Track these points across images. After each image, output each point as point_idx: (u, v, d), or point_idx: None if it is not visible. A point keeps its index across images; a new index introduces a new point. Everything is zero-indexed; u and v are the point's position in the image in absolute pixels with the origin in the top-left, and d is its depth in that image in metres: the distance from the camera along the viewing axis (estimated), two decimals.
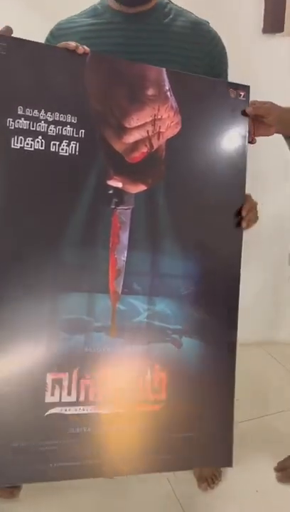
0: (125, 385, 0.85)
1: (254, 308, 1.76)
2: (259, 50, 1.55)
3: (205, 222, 0.90)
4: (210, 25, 1.08)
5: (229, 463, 0.91)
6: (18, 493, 1.29)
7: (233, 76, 1.07)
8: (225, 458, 0.91)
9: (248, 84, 0.94)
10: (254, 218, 0.93)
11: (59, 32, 1.04)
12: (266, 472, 1.39)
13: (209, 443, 0.90)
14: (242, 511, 1.26)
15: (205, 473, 1.35)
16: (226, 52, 1.08)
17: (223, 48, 1.07)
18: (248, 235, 0.94)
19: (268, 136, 0.97)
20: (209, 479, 1.34)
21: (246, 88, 0.94)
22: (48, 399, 0.80)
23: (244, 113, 0.92)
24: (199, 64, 1.01)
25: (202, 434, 0.89)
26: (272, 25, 1.54)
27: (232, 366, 0.91)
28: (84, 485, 1.27)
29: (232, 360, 0.91)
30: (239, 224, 0.92)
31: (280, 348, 1.25)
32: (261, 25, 1.60)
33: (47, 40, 1.05)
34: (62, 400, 0.81)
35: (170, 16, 1.03)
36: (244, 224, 0.91)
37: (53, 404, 0.80)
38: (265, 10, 1.57)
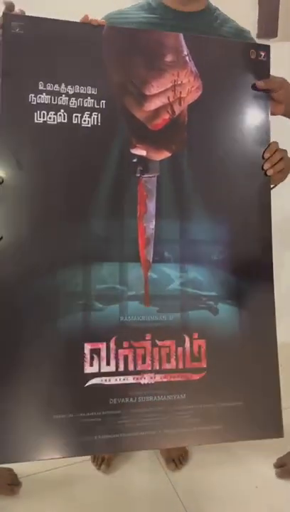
0: (164, 353, 0.83)
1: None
2: None
3: (231, 184, 0.89)
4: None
5: (280, 433, 0.88)
6: (18, 490, 1.30)
7: None
8: (276, 428, 0.88)
9: (268, 44, 0.93)
10: (284, 170, 0.91)
11: (110, 21, 1.05)
12: (266, 468, 1.37)
13: (258, 412, 0.87)
14: (242, 506, 1.23)
15: (173, 455, 1.38)
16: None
17: None
18: None
19: (275, 115, 0.95)
20: (176, 460, 1.38)
21: (267, 48, 0.92)
22: (87, 369, 0.79)
23: (254, 87, 0.91)
24: None
25: (250, 403, 0.86)
26: (266, 30, 1.56)
27: (273, 331, 0.88)
28: (83, 480, 1.29)
29: (271, 324, 0.88)
30: (265, 174, 0.89)
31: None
32: (256, 31, 1.62)
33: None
34: (102, 370, 0.80)
35: (218, 21, 1.07)
36: (267, 167, 0.88)
37: (93, 375, 0.79)
38: (259, 16, 1.60)
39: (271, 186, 0.92)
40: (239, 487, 1.31)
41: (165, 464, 1.39)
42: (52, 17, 0.83)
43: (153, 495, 1.30)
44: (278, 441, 1.33)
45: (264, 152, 0.90)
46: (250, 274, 0.88)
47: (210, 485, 1.31)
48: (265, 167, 0.90)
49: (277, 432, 0.87)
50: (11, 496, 1.27)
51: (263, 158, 0.90)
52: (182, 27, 1.01)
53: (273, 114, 0.94)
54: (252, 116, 0.91)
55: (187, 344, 0.85)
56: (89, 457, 1.38)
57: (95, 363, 0.80)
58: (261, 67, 0.91)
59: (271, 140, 0.92)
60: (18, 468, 1.32)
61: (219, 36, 1.05)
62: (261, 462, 1.39)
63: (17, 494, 1.27)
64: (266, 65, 0.92)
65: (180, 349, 0.84)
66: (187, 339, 0.84)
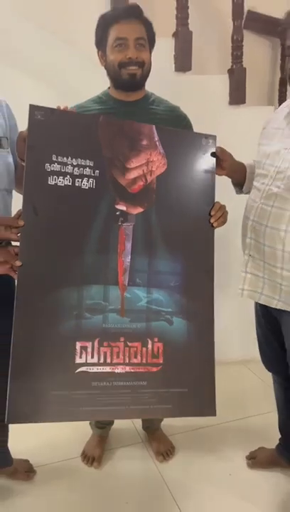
0: (132, 352, 1.16)
1: (234, 328, 2.00)
2: (227, 118, 1.92)
3: (185, 232, 1.24)
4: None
5: (213, 413, 1.21)
6: (33, 477, 1.59)
7: None
8: (211, 409, 1.21)
9: (215, 134, 1.30)
10: (223, 219, 1.26)
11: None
12: (238, 460, 1.68)
13: (198, 397, 1.21)
14: (218, 490, 1.55)
15: (161, 449, 1.70)
16: (191, 126, 1.49)
17: (191, 125, 1.49)
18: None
19: (219, 175, 1.31)
20: (164, 453, 1.69)
21: (213, 137, 1.29)
22: (78, 360, 1.12)
23: (213, 154, 1.28)
24: None
25: (193, 390, 1.20)
26: (236, 98, 1.94)
27: (211, 337, 1.22)
28: (86, 470, 1.62)
29: (210, 332, 1.22)
30: (211, 225, 1.24)
31: (260, 365, 1.54)
32: (228, 99, 2.01)
33: None
34: (88, 362, 1.13)
35: (155, 104, 1.44)
36: (213, 221, 1.23)
37: (81, 365, 1.12)
38: (230, 86, 1.98)
39: (214, 227, 1.27)
40: (216, 475, 1.62)
41: (155, 456, 1.70)
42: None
43: (144, 482, 1.60)
44: (251, 441, 1.67)
45: (210, 210, 1.26)
46: (196, 297, 1.23)
47: (193, 473, 1.62)
48: (211, 221, 1.26)
49: (211, 411, 1.21)
50: (27, 482, 1.56)
51: (209, 215, 1.26)
52: (128, 111, 1.37)
53: (218, 174, 1.30)
54: (202, 185, 1.27)
55: (149, 345, 1.18)
56: None
57: (83, 356, 1.13)
58: (209, 149, 1.28)
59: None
60: (33, 459, 1.63)
61: (155, 114, 1.40)
62: (233, 455, 1.70)
63: (32, 480, 1.57)
64: (212, 147, 1.28)
65: (144, 349, 1.18)
66: (149, 342, 1.18)
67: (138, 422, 1.84)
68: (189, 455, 1.72)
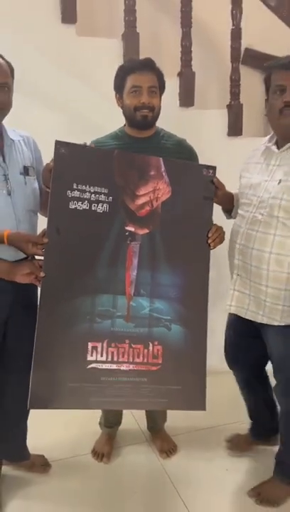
0: (135, 352, 1.36)
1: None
2: (225, 148, 2.14)
3: (185, 251, 1.43)
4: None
5: (203, 408, 1.40)
6: (48, 470, 1.76)
7: None
8: (202, 404, 1.40)
9: (215, 165, 1.50)
10: (219, 239, 1.46)
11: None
12: (236, 458, 1.86)
13: (191, 394, 1.40)
14: (216, 483, 1.72)
15: (165, 448, 1.88)
16: (197, 156, 1.68)
17: (196, 155, 1.69)
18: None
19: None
20: (168, 451, 1.87)
21: (213, 167, 1.49)
22: (89, 358, 1.32)
23: (212, 182, 1.48)
24: None
25: (186, 388, 1.39)
26: (234, 130, 2.16)
27: (204, 343, 1.41)
28: (97, 465, 1.80)
29: (203, 339, 1.42)
30: (208, 245, 1.44)
31: None
32: (226, 131, 2.23)
33: None
34: (97, 360, 1.32)
35: (164, 139, 1.65)
36: (210, 242, 1.43)
37: (91, 362, 1.32)
38: (229, 120, 2.21)
39: (211, 248, 1.48)
40: (215, 470, 1.79)
41: (159, 454, 1.86)
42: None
43: (149, 476, 1.77)
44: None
45: (208, 233, 1.46)
46: (192, 307, 1.42)
47: (193, 468, 1.79)
48: (209, 241, 1.46)
49: (201, 406, 1.40)
50: (43, 474, 1.73)
51: (207, 236, 1.47)
52: (141, 147, 1.58)
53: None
54: (201, 209, 1.47)
55: (150, 348, 1.38)
56: None
57: (94, 354, 1.32)
58: (209, 179, 1.48)
59: None
60: (48, 455, 1.80)
61: (165, 148, 1.61)
62: (230, 453, 1.87)
63: (48, 473, 1.74)
64: (212, 177, 1.48)
65: (146, 350, 1.37)
66: (150, 344, 1.38)
67: (143, 423, 2.00)
68: (190, 453, 1.88)
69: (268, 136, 1.55)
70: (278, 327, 1.45)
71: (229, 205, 1.59)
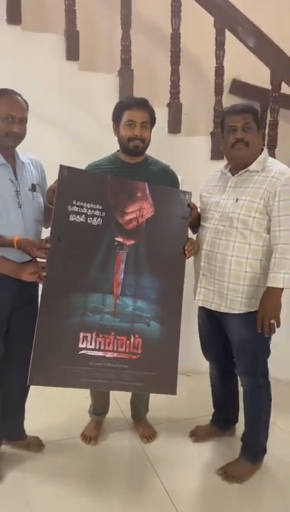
0: (119, 343, 1.62)
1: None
2: (208, 170, 2.37)
3: (164, 258, 1.70)
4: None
5: (174, 392, 1.66)
6: (42, 449, 2.00)
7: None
8: (173, 389, 1.66)
9: (190, 191, 1.79)
10: (194, 251, 1.76)
11: (91, 169, 1.88)
12: (208, 445, 2.11)
13: (164, 379, 1.66)
14: (189, 465, 1.96)
15: (146, 433, 2.13)
16: (178, 180, 1.95)
17: (177, 180, 1.95)
18: None
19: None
20: (148, 437, 2.12)
21: (189, 193, 1.78)
22: (80, 345, 1.58)
23: (188, 205, 1.76)
24: None
25: (160, 374, 1.65)
26: (217, 154, 2.44)
27: (177, 337, 1.68)
28: (84, 447, 2.04)
29: (176, 333, 1.68)
30: (184, 255, 1.72)
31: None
32: (210, 155, 2.52)
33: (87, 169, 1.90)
34: (87, 347, 1.58)
35: (151, 165, 1.92)
36: (186, 253, 1.72)
37: (82, 349, 1.58)
38: (212, 145, 2.50)
39: (186, 258, 1.75)
40: (188, 453, 2.03)
41: (140, 439, 2.10)
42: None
43: (131, 456, 2.02)
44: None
45: (185, 245, 1.74)
46: (168, 307, 1.69)
47: (170, 452, 2.03)
48: (186, 253, 1.74)
49: (172, 391, 1.66)
50: (38, 452, 1.97)
51: (184, 248, 1.74)
52: (131, 171, 1.84)
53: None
54: (179, 227, 1.75)
55: (132, 339, 1.64)
56: None
57: (84, 343, 1.58)
58: (186, 202, 1.76)
59: None
60: (43, 436, 2.03)
61: (151, 173, 1.87)
62: (204, 441, 2.10)
63: (42, 452, 1.98)
64: (189, 200, 1.76)
65: (128, 342, 1.63)
66: (132, 337, 1.64)
67: (127, 412, 2.24)
68: (168, 439, 2.12)
69: (224, 165, 1.87)
70: (238, 315, 1.76)
71: (197, 223, 1.87)
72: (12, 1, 2.14)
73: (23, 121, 1.67)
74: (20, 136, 1.69)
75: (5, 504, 1.70)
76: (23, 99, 1.68)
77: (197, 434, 2.12)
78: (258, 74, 2.74)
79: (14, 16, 2.15)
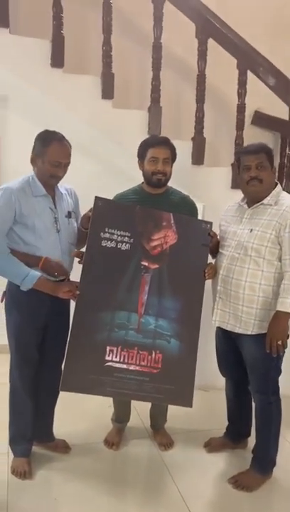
0: (142, 357, 1.81)
1: None
2: (228, 198, 2.36)
3: (185, 281, 1.89)
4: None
5: (190, 405, 1.83)
6: (69, 451, 2.19)
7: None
8: (189, 402, 1.83)
9: (211, 221, 1.98)
10: (213, 274, 1.94)
11: (117, 199, 2.10)
12: (223, 454, 2.26)
13: (181, 393, 1.83)
14: (204, 469, 2.13)
15: (164, 442, 2.29)
16: (197, 209, 2.14)
17: (196, 208, 2.14)
18: None
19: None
20: (165, 445, 2.28)
21: (210, 223, 1.97)
22: (106, 358, 1.78)
23: (209, 234, 1.95)
24: None
25: (178, 388, 1.82)
26: (237, 184, 2.45)
27: (194, 354, 1.85)
28: (106, 451, 2.22)
29: (193, 350, 1.85)
30: (203, 278, 1.91)
31: None
32: (231, 184, 2.70)
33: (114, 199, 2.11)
34: (113, 360, 1.78)
35: (172, 195, 2.12)
36: (206, 276, 1.92)
37: (108, 361, 1.78)
38: (232, 175, 2.68)
39: (206, 279, 1.94)
40: (203, 462, 2.19)
41: (158, 446, 2.28)
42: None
43: (149, 461, 2.19)
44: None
45: (205, 270, 1.93)
46: (187, 327, 1.87)
47: (186, 461, 2.19)
48: (205, 275, 1.92)
49: (189, 404, 1.83)
50: (65, 454, 2.17)
51: (204, 272, 1.93)
52: (154, 201, 2.04)
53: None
54: (199, 253, 1.93)
55: (153, 355, 1.82)
56: None
57: (110, 355, 1.78)
58: (207, 231, 1.95)
59: None
60: (69, 440, 2.22)
61: (172, 202, 2.07)
62: (219, 451, 2.25)
63: (68, 454, 2.18)
64: (209, 229, 1.95)
65: (149, 356, 1.82)
66: (153, 352, 1.82)
67: (147, 422, 2.40)
68: (184, 448, 2.28)
69: (241, 197, 2.05)
70: (251, 336, 1.91)
71: (217, 249, 2.05)
72: (56, 47, 2.41)
73: (67, 165, 1.91)
74: (61, 178, 1.93)
75: (35, 498, 1.90)
76: (68, 143, 1.91)
77: (212, 445, 2.27)
78: (278, 107, 2.92)
79: (57, 60, 2.41)
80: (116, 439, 2.28)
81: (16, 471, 1.99)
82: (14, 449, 2.06)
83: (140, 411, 2.45)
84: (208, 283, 2.00)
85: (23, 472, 1.98)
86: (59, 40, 2.42)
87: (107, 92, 2.51)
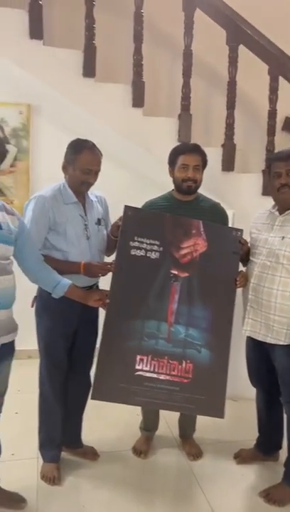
0: (172, 366, 1.80)
1: None
2: (258, 205, 2.28)
3: (216, 290, 1.87)
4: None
5: (222, 416, 1.80)
6: (97, 458, 2.20)
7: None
8: (221, 413, 1.80)
9: (242, 228, 1.95)
10: (244, 282, 1.92)
11: (147, 206, 2.11)
12: (253, 467, 2.21)
13: (213, 403, 1.80)
14: (233, 482, 2.09)
15: (193, 452, 2.27)
16: (227, 217, 2.12)
17: (227, 216, 2.13)
18: None
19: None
20: (194, 455, 2.26)
21: (241, 230, 1.94)
22: (137, 367, 1.77)
23: (239, 242, 1.93)
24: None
25: (209, 399, 1.80)
26: (267, 190, 2.46)
27: (226, 364, 1.82)
28: (134, 459, 2.21)
29: (225, 360, 1.83)
30: (235, 286, 1.89)
31: None
32: (261, 191, 2.67)
33: (143, 206, 2.12)
34: (143, 369, 1.77)
35: (203, 202, 2.11)
36: (238, 284, 1.89)
37: (139, 370, 1.77)
38: (263, 181, 2.64)
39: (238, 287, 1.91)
40: (233, 473, 2.16)
41: (187, 456, 2.26)
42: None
43: (178, 473, 2.17)
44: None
45: (236, 278, 1.90)
46: (218, 336, 1.84)
47: (215, 471, 2.17)
48: (237, 284, 1.90)
49: (220, 415, 1.80)
50: (93, 461, 2.18)
51: (236, 280, 1.90)
52: (184, 208, 2.04)
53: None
54: (230, 261, 1.91)
55: (183, 364, 1.81)
56: None
57: (141, 364, 1.78)
58: (237, 238, 1.93)
59: None
60: (98, 447, 2.24)
61: (203, 209, 2.06)
62: (248, 464, 2.22)
63: (96, 461, 2.19)
64: (240, 237, 1.93)
65: (180, 366, 1.80)
66: (184, 362, 1.81)
67: (175, 431, 2.39)
68: (213, 459, 2.26)
69: (272, 204, 2.02)
70: (283, 346, 1.87)
71: (247, 257, 2.02)
72: (88, 57, 2.44)
73: (98, 172, 1.93)
74: (92, 185, 1.95)
75: (64, 505, 1.91)
76: (99, 151, 1.93)
77: (242, 457, 2.23)
78: None
79: (89, 70, 2.45)
80: (144, 447, 2.27)
81: (46, 477, 2.01)
82: (44, 454, 2.08)
83: (168, 420, 2.44)
84: (239, 291, 1.98)
85: (52, 478, 2.00)
86: (91, 50, 2.46)
87: (138, 100, 2.52)
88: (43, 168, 2.95)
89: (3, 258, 1.60)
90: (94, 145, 1.92)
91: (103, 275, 1.93)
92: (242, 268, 2.01)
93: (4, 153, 1.58)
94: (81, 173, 1.89)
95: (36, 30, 2.38)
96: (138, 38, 2.51)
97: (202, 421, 2.24)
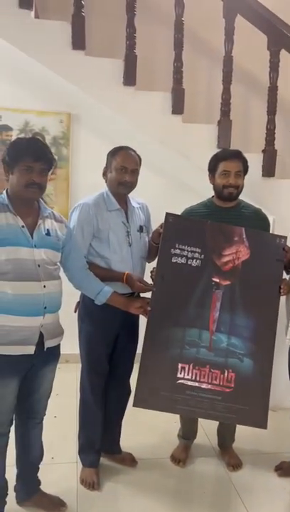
0: (214, 375, 1.78)
1: None
2: None
3: (258, 298, 1.84)
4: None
5: (265, 426, 1.76)
6: (135, 465, 2.19)
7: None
8: (264, 424, 1.77)
9: (286, 235, 1.91)
10: (287, 291, 1.86)
11: (187, 213, 2.10)
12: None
13: (256, 414, 1.77)
14: (274, 495, 2.05)
15: (232, 462, 2.23)
16: (269, 223, 2.09)
17: (269, 223, 2.10)
18: None
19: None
20: (234, 465, 2.21)
21: (285, 237, 1.91)
22: (178, 375, 1.76)
23: (283, 249, 1.89)
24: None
25: (252, 409, 1.77)
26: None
27: (269, 374, 1.79)
28: (172, 467, 2.19)
29: (269, 371, 1.79)
30: (278, 295, 1.84)
31: None
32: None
33: (183, 213, 2.11)
34: (185, 377, 1.76)
35: (244, 209, 2.09)
36: (282, 292, 1.84)
37: (180, 378, 1.76)
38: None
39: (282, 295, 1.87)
40: (274, 486, 2.11)
41: (226, 467, 2.22)
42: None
43: (217, 483, 2.15)
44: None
45: (280, 286, 1.86)
46: (261, 346, 1.81)
47: (256, 483, 2.13)
48: (281, 292, 1.86)
49: (263, 426, 1.76)
50: (131, 468, 2.18)
51: (280, 287, 1.86)
52: (225, 214, 2.02)
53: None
54: (273, 269, 1.87)
55: (226, 374, 1.78)
56: None
57: (182, 373, 1.76)
58: (281, 245, 1.89)
59: None
60: (136, 454, 2.23)
61: (244, 216, 2.03)
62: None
63: (135, 468, 2.19)
64: (284, 244, 1.89)
65: (222, 375, 1.78)
66: (226, 371, 1.78)
67: (214, 440, 2.37)
68: (254, 470, 2.22)
69: None
70: None
71: None
72: (129, 65, 2.47)
73: (135, 172, 1.94)
74: (131, 186, 1.96)
75: (103, 511, 1.91)
76: (137, 154, 1.95)
77: (283, 469, 2.17)
78: None
79: (130, 78, 2.48)
80: (182, 455, 2.25)
81: (85, 482, 2.03)
82: (83, 459, 2.10)
83: (207, 429, 2.41)
84: (282, 300, 1.94)
85: (91, 483, 2.02)
86: (132, 59, 2.48)
87: (177, 108, 2.53)
88: (82, 176, 2.99)
89: (50, 264, 1.63)
90: (130, 148, 1.95)
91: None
92: (285, 276, 1.97)
93: (52, 160, 1.62)
94: (116, 173, 1.91)
95: (78, 41, 2.43)
96: (178, 46, 2.52)
97: (241, 431, 2.20)
